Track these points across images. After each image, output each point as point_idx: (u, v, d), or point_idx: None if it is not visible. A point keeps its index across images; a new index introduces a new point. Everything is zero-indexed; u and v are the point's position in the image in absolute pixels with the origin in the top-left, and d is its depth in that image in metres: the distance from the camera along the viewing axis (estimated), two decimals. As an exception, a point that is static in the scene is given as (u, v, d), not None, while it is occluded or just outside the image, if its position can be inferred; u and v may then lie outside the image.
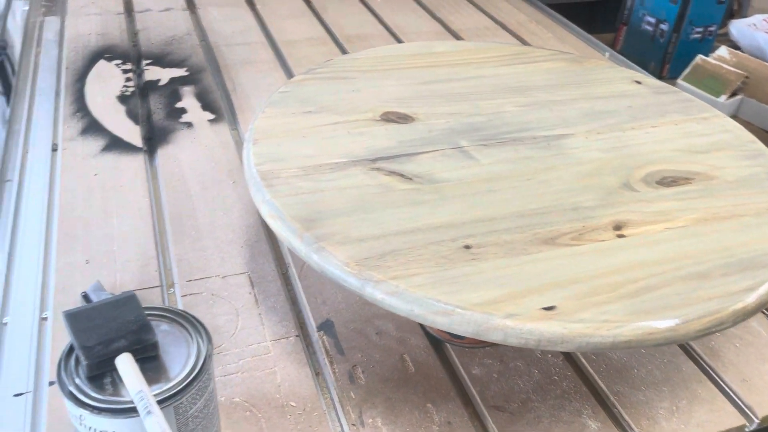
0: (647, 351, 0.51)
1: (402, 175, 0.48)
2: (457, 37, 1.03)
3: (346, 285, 0.40)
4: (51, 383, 0.44)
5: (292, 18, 1.05)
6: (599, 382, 0.48)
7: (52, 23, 0.98)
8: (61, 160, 0.67)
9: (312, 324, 0.51)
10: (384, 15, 1.09)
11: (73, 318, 0.34)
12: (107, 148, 0.69)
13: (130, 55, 0.89)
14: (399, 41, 0.99)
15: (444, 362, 0.49)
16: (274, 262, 0.57)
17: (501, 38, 1.04)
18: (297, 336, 0.50)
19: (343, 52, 0.95)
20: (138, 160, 0.68)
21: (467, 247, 0.41)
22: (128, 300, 0.36)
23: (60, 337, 0.48)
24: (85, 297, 0.50)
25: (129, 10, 1.03)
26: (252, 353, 0.48)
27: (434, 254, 0.41)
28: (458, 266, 0.40)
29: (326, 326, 0.51)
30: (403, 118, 0.56)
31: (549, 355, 0.50)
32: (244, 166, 0.49)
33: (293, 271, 0.56)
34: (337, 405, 0.45)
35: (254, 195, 0.46)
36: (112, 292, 0.51)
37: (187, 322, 0.37)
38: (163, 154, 0.69)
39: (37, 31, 0.96)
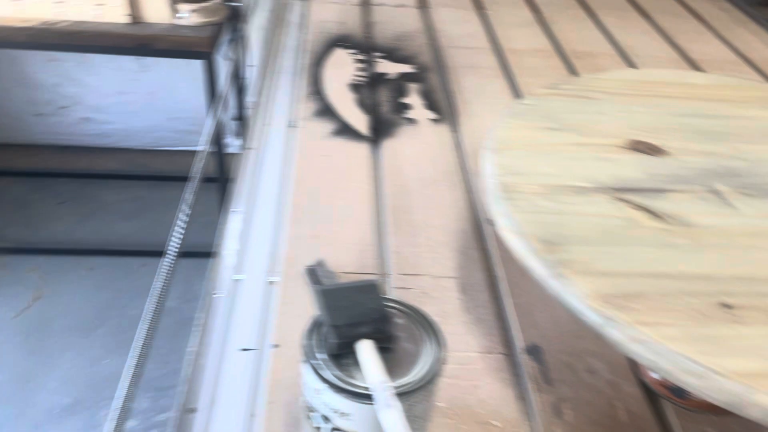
0: None
1: (651, 212, 0.45)
2: (696, 68, 0.95)
3: (584, 319, 0.38)
4: (275, 346, 0.47)
5: (520, 27, 1.04)
6: None
7: (297, 7, 1.05)
8: (298, 137, 0.71)
9: (519, 345, 0.49)
10: (616, 34, 1.03)
11: (326, 295, 0.36)
12: (337, 132, 0.73)
13: (364, 46, 0.93)
14: (631, 64, 0.94)
15: (660, 420, 0.45)
16: (483, 272, 0.56)
17: (746, 74, 0.95)
18: (502, 354, 0.49)
19: (570, 67, 0.91)
20: (364, 149, 0.70)
21: (727, 306, 0.37)
22: (372, 287, 0.37)
23: (285, 303, 0.51)
24: (310, 271, 0.53)
25: (366, 2, 1.08)
26: (457, 361, 0.48)
27: (687, 306, 0.37)
28: (715, 325, 0.36)
29: (534, 351, 0.49)
30: (652, 150, 0.52)
31: (786, 442, 0.44)
32: (483, 174, 0.49)
33: (504, 286, 0.55)
34: (540, 436, 0.43)
35: (492, 206, 0.46)
36: (332, 270, 0.54)
37: (423, 321, 0.37)
38: (387, 146, 0.71)
39: (284, 12, 1.03)
